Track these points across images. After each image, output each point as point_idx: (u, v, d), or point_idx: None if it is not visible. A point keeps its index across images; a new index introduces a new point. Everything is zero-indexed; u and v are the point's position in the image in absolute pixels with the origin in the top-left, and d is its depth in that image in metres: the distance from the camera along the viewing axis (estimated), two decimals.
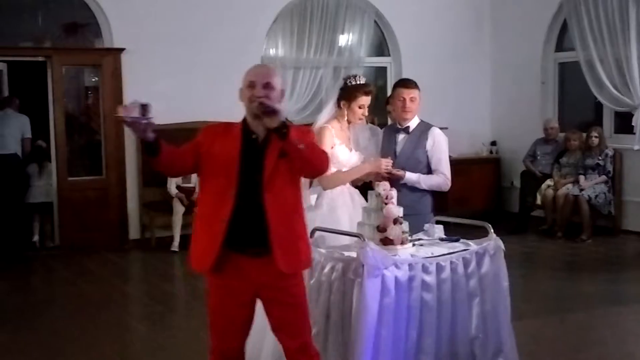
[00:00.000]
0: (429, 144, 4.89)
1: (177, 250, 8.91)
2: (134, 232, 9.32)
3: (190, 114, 9.32)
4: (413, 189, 4.83)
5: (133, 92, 9.04)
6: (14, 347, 5.61)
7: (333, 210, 4.71)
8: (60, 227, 8.96)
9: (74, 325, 6.15)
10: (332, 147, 4.72)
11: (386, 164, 4.75)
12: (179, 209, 9.00)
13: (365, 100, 4.81)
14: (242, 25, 9.64)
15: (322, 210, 4.75)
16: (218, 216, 3.45)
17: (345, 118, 4.84)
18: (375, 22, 10.64)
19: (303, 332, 3.57)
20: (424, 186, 4.85)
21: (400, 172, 4.77)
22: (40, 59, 9.01)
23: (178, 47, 9.32)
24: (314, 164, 3.49)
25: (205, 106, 9.40)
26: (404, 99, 4.89)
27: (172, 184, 9.09)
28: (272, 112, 3.31)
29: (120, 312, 6.68)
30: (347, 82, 4.84)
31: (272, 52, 10.18)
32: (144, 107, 3.31)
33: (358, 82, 4.83)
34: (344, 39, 10.53)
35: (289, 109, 10.13)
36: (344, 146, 4.84)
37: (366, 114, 4.88)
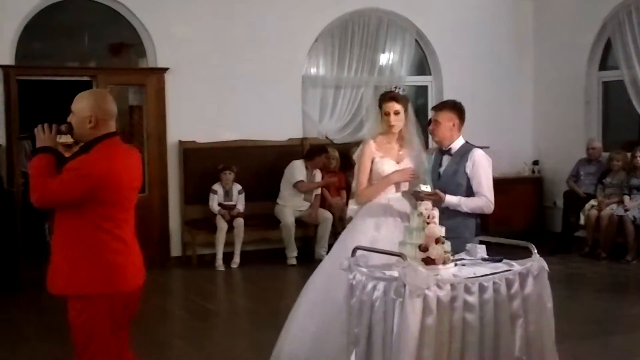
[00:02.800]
0: (468, 166, 4.85)
1: (223, 269, 8.96)
2: (175, 250, 9.40)
3: (232, 133, 9.44)
4: (455, 212, 4.77)
5: (176, 111, 9.18)
6: None
7: (363, 225, 4.81)
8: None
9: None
10: (372, 161, 4.84)
11: (411, 173, 4.73)
12: (222, 226, 9.06)
13: (390, 106, 4.87)
14: (283, 45, 9.73)
15: (353, 224, 4.88)
16: None
17: (383, 129, 4.91)
18: (416, 40, 10.64)
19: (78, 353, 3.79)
20: (465, 209, 4.80)
21: (441, 195, 4.74)
22: (85, 78, 9.18)
23: (220, 67, 9.43)
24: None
25: (247, 125, 9.51)
26: (430, 122, 4.92)
27: (215, 201, 9.16)
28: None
29: (160, 329, 6.72)
30: None
31: (313, 71, 10.24)
32: (59, 132, 3.66)
33: (385, 91, 4.96)
34: (384, 58, 10.56)
35: (330, 127, 10.18)
36: (387, 159, 4.88)
37: (393, 122, 4.88)
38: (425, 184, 4.75)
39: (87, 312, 3.65)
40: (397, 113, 4.89)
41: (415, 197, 4.70)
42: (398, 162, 4.94)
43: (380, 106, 4.95)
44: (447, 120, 4.90)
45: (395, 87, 5.02)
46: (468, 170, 4.85)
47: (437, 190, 4.74)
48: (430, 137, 5.29)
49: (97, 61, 9.61)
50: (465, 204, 4.80)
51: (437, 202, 4.65)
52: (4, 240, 8.06)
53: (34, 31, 8.91)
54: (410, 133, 5.00)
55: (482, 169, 4.86)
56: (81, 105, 3.67)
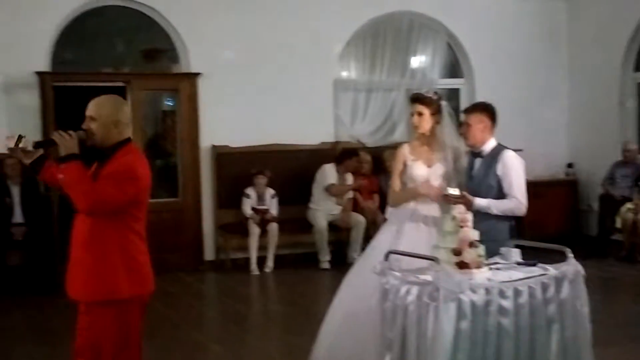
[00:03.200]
0: (499, 168, 4.79)
1: (257, 273, 9.00)
2: (209, 254, 9.46)
3: (265, 137, 9.49)
4: (487, 215, 4.72)
5: (209, 116, 9.25)
6: None
7: (396, 229, 4.84)
8: None
9: (151, 344, 6.25)
10: (404, 164, 4.90)
11: (436, 191, 4.72)
12: (254, 231, 9.10)
13: (413, 107, 4.91)
14: (315, 49, 9.75)
15: (388, 227, 4.91)
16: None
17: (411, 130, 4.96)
18: (447, 43, 10.60)
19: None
20: (495, 212, 4.74)
21: (469, 198, 4.69)
22: (119, 84, 9.28)
23: (252, 72, 9.48)
24: (74, 199, 3.59)
25: (280, 129, 9.54)
26: (462, 124, 4.90)
27: (247, 205, 9.20)
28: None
29: (195, 333, 6.77)
30: None
31: (345, 74, 10.24)
32: (19, 138, 3.88)
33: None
34: (416, 61, 10.53)
35: (362, 131, 10.18)
36: (420, 162, 4.90)
37: (416, 123, 4.89)
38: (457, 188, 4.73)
39: (124, 317, 3.63)
40: (420, 114, 4.88)
41: (444, 200, 4.69)
42: (429, 166, 4.93)
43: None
44: (477, 122, 4.86)
45: (428, 91, 5.02)
46: (499, 172, 4.80)
47: (465, 193, 4.69)
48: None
49: (131, 67, 9.72)
50: (495, 207, 4.74)
51: (466, 206, 4.62)
52: (42, 244, 8.17)
53: (69, 38, 9.04)
54: (444, 136, 4.97)
55: (512, 171, 4.81)
56: (106, 111, 3.67)
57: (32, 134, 8.53)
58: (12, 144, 3.89)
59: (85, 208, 3.55)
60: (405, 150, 4.96)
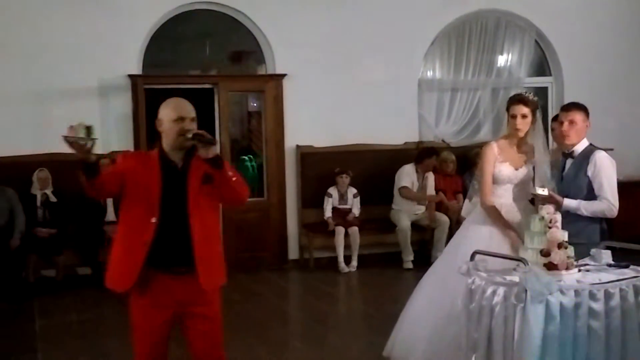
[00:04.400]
0: (590, 169, 4.72)
1: (346, 270, 9.07)
2: (293, 253, 9.56)
3: (349, 137, 9.53)
4: (577, 216, 4.64)
5: (293, 116, 9.35)
6: None
7: (478, 232, 4.83)
8: (224, 247, 9.32)
9: (239, 342, 6.38)
10: (493, 164, 4.84)
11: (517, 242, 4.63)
12: (339, 230, 9.16)
13: (517, 109, 4.82)
14: (400, 49, 9.73)
15: (466, 228, 4.96)
16: (139, 239, 3.65)
17: (508, 132, 4.87)
18: (535, 41, 10.41)
19: (221, 345, 3.87)
20: (585, 213, 4.66)
21: (558, 198, 4.61)
22: (207, 86, 9.49)
23: (337, 72, 9.53)
24: (239, 193, 3.73)
25: (364, 129, 9.57)
26: (562, 123, 4.79)
27: (329, 205, 9.26)
28: (210, 143, 3.54)
29: (282, 331, 6.86)
30: None
31: (429, 74, 10.18)
32: (88, 129, 3.50)
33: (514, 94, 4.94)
34: (502, 60, 10.38)
35: (447, 131, 10.10)
36: (506, 164, 4.86)
37: (520, 125, 4.82)
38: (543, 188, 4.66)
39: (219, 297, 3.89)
40: (524, 116, 4.82)
41: (534, 200, 4.63)
42: (517, 168, 4.89)
43: (507, 108, 4.90)
44: (582, 120, 4.78)
45: (526, 92, 4.97)
46: (590, 173, 4.72)
47: (553, 194, 4.62)
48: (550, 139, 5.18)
49: (218, 69, 9.92)
50: (585, 208, 4.67)
51: (555, 206, 4.55)
52: (93, 242, 8.36)
53: (159, 41, 9.29)
54: (535, 139, 4.91)
55: (603, 172, 4.72)
56: (195, 111, 3.82)
57: (125, 136, 8.90)
58: (80, 134, 3.48)
59: (246, 198, 3.80)
60: (494, 149, 4.91)
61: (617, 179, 4.85)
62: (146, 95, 8.95)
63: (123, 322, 6.96)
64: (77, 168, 3.56)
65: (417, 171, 9.44)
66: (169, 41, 9.55)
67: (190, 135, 3.59)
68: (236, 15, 9.44)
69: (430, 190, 9.55)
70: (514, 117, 4.83)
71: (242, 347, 6.19)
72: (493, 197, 4.88)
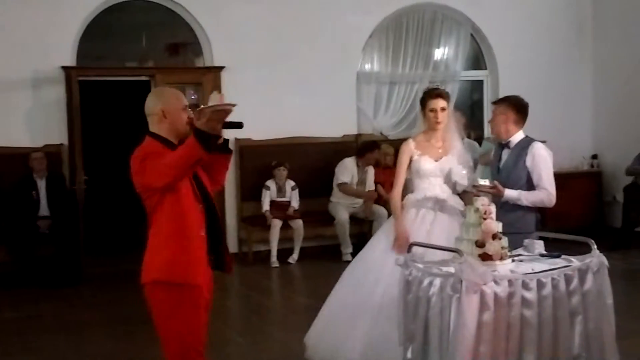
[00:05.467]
0: (528, 160, 4.82)
1: (277, 265, 9.05)
2: (232, 246, 9.51)
3: (288, 130, 9.52)
4: (514, 206, 4.75)
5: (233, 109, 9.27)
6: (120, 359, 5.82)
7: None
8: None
9: None
10: (410, 159, 4.97)
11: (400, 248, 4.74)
12: (275, 223, 9.14)
13: (434, 103, 4.91)
14: (338, 42, 9.76)
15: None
16: (198, 229, 3.60)
17: (427, 126, 4.97)
18: (471, 35, 10.55)
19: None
20: (525, 203, 4.76)
21: (500, 188, 4.71)
22: (144, 78, 9.35)
23: (275, 65, 9.50)
24: (224, 176, 3.85)
25: (303, 122, 9.57)
26: (496, 117, 4.91)
27: (267, 198, 9.24)
28: (239, 126, 3.50)
29: (222, 326, 6.81)
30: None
31: (367, 67, 10.24)
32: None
33: (429, 88, 5.01)
34: (439, 53, 10.50)
35: (385, 123, 10.18)
36: (426, 157, 4.95)
37: (440, 118, 4.92)
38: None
39: None
40: (443, 109, 4.92)
41: (475, 191, 4.70)
42: (437, 160, 4.97)
43: (425, 104, 4.97)
44: (499, 114, 4.91)
45: (437, 85, 5.09)
46: (528, 164, 4.82)
47: (497, 183, 4.73)
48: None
49: (155, 61, 9.78)
50: (525, 198, 4.77)
51: (497, 196, 4.65)
52: (67, 237, 8.27)
53: (94, 32, 9.12)
54: (451, 131, 5.03)
55: (542, 162, 4.83)
56: None
57: (58, 128, 8.72)
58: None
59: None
60: (411, 145, 5.02)
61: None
62: (81, 87, 8.79)
63: (58, 319, 6.95)
64: (203, 141, 3.33)
65: (357, 165, 9.48)
66: (105, 33, 9.38)
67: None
68: (173, 6, 9.33)
69: (370, 184, 9.59)
70: (433, 111, 4.93)
71: None
72: (416, 191, 5.02)
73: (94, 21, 9.06)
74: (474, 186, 4.73)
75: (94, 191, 9.66)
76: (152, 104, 3.67)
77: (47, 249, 8.19)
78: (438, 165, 4.97)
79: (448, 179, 5.02)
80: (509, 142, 4.92)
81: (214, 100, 3.39)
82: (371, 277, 4.85)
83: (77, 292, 7.95)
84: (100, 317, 7.00)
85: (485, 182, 4.68)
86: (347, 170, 9.42)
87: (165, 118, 3.63)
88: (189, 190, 3.57)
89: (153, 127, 3.67)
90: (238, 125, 3.49)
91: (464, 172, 5.03)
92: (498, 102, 5.02)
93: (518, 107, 4.93)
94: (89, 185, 8.98)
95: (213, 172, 3.73)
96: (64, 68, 8.73)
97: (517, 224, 4.64)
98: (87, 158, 9.12)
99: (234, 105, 3.41)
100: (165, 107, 3.63)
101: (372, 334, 4.69)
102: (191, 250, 3.58)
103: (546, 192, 4.80)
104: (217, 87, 9.27)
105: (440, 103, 4.91)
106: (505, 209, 4.59)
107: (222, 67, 9.30)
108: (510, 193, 4.74)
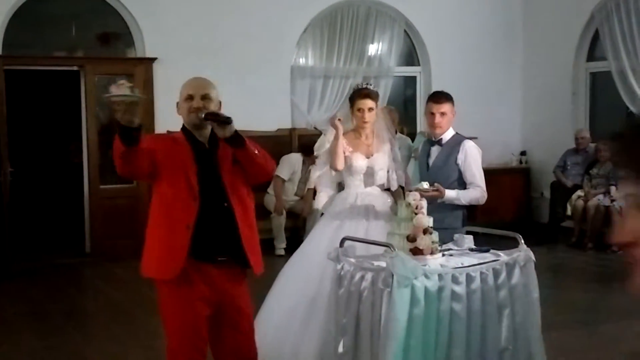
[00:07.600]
0: (460, 158, 4.86)
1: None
2: None
3: None
4: (443, 202, 4.77)
5: (165, 101, 9.12)
6: (46, 354, 5.68)
7: (326, 227, 4.92)
8: (92, 234, 9.06)
9: (105, 332, 6.22)
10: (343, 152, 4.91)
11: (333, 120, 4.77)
12: None
13: (362, 103, 4.89)
14: (272, 35, 9.72)
15: (318, 224, 5.06)
16: (181, 222, 3.48)
17: (358, 125, 4.94)
18: (405, 31, 10.65)
19: (254, 341, 3.81)
20: (463, 202, 4.78)
21: (442, 190, 4.68)
22: (74, 68, 9.14)
23: (209, 57, 9.39)
24: (265, 167, 3.65)
25: (236, 116, 9.44)
26: (434, 114, 4.89)
27: None
28: (225, 122, 3.40)
29: (154, 320, 6.71)
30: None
31: (301, 61, 10.23)
32: (132, 88, 3.26)
33: (357, 87, 4.98)
34: (373, 49, 10.56)
35: (319, 117, 10.19)
36: (357, 154, 4.93)
37: (368, 118, 4.91)
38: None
39: None
40: (370, 110, 4.91)
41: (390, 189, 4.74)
42: (368, 157, 4.96)
43: (353, 103, 4.95)
44: (450, 111, 4.90)
45: (367, 84, 5.06)
46: (459, 162, 4.85)
47: (439, 186, 4.70)
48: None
49: (85, 51, 9.55)
50: (463, 197, 4.79)
51: (437, 197, 4.65)
52: None
53: (21, 20, 8.86)
54: (380, 127, 5.04)
55: (474, 160, 4.87)
56: (216, 91, 3.78)
57: None
58: (126, 92, 3.21)
59: (272, 171, 3.80)
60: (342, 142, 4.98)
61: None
62: (7, 77, 8.54)
63: (13, 313, 6.74)
64: (116, 134, 3.23)
65: (304, 162, 9.39)
66: (33, 21, 9.12)
67: (202, 116, 3.44)
68: None
69: (312, 183, 9.56)
70: (360, 110, 4.90)
71: (108, 336, 6.04)
72: (347, 188, 4.99)
73: (22, 9, 8.80)
74: (417, 189, 4.73)
75: (20, 183, 9.41)
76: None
77: None
78: (368, 162, 4.96)
79: (378, 177, 5.01)
80: (441, 139, 4.95)
81: (115, 90, 3.25)
82: (318, 272, 4.77)
83: (3, 288, 7.74)
84: (26, 313, 6.82)
85: (425, 185, 4.66)
86: (288, 165, 9.32)
87: (178, 109, 3.68)
88: (184, 185, 3.49)
89: None
90: (226, 120, 3.44)
91: (394, 176, 5.03)
92: (445, 99, 4.90)
93: (454, 103, 4.97)
94: (15, 177, 8.73)
95: (245, 168, 3.60)
96: None
97: (446, 219, 4.67)
98: (13, 149, 8.87)
99: (129, 95, 3.20)
100: (179, 99, 3.68)
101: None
102: (166, 243, 3.50)
103: (480, 190, 4.85)
104: (149, 79, 9.15)
105: (367, 103, 4.88)
106: (434, 205, 4.61)
107: (154, 59, 9.16)
108: (449, 193, 4.74)
